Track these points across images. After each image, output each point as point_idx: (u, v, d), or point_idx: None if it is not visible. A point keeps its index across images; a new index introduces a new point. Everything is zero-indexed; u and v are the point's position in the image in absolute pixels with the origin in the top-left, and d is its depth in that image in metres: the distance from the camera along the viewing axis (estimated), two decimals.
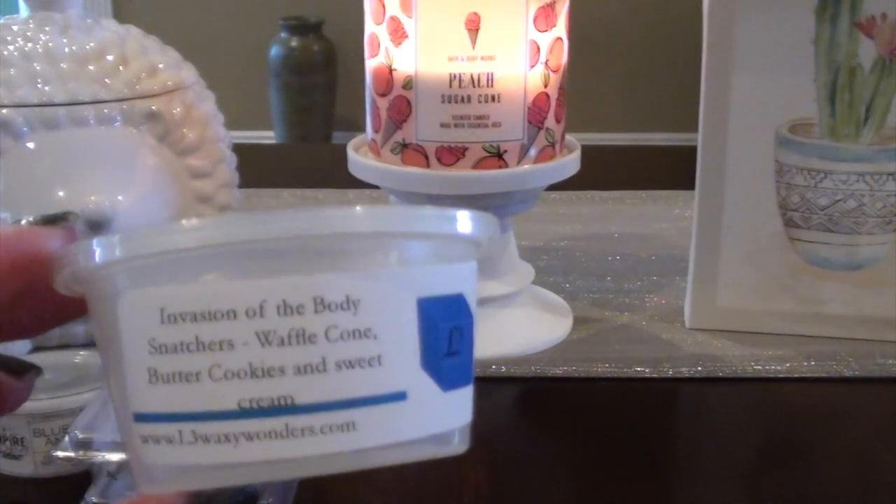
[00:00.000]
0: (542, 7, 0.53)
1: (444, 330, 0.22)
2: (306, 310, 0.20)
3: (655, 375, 0.55)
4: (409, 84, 0.54)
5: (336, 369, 0.20)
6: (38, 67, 0.46)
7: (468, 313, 0.22)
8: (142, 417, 0.21)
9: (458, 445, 0.23)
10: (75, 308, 0.23)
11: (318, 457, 0.20)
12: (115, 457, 0.38)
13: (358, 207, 0.21)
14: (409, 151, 0.55)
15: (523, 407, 0.54)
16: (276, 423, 0.20)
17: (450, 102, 0.53)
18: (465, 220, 0.22)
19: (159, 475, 0.21)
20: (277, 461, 0.20)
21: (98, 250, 0.21)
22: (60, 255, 0.22)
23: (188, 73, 0.52)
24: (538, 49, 0.53)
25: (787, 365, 0.56)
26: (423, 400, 0.21)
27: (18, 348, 0.42)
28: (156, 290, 0.20)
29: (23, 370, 0.26)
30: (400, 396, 0.21)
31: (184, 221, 0.20)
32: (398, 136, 0.55)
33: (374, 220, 0.21)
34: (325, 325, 0.20)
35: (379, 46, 0.55)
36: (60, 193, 0.45)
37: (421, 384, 0.21)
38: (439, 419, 0.22)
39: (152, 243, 0.20)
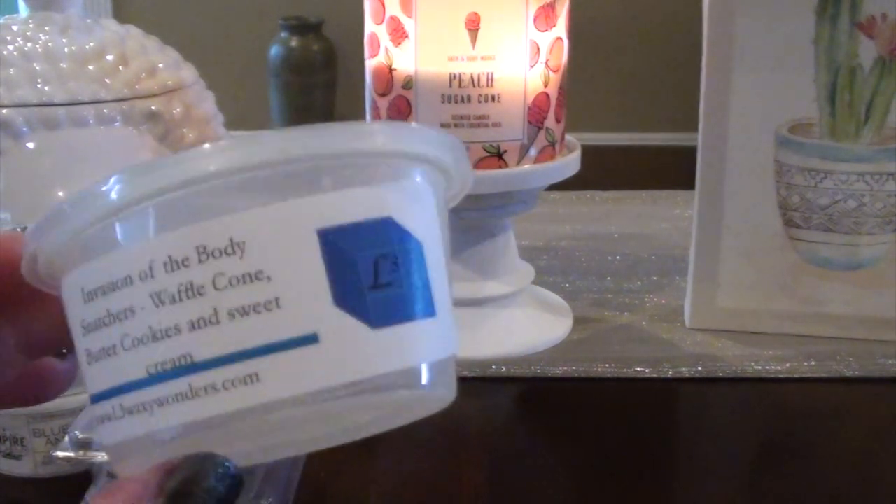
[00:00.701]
0: (542, 7, 0.53)
1: (365, 260, 0.19)
2: (191, 261, 0.19)
3: (655, 375, 0.55)
4: (408, 84, 0.54)
5: (229, 319, 0.19)
6: (37, 67, 0.46)
7: (405, 237, 0.20)
8: (93, 399, 0.21)
9: (429, 387, 0.21)
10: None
11: (225, 416, 0.19)
12: None
13: (239, 138, 0.19)
14: None
15: (523, 407, 0.54)
16: (180, 384, 0.19)
17: (450, 102, 0.53)
18: (381, 135, 0.20)
19: (120, 454, 0.21)
20: (192, 426, 0.19)
21: (38, 233, 0.21)
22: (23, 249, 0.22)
23: (188, 73, 0.52)
24: (538, 49, 0.53)
25: (788, 365, 0.56)
26: (342, 341, 0.19)
27: None
28: (77, 271, 0.20)
29: (63, 353, 0.25)
30: (309, 339, 0.19)
31: (76, 193, 0.20)
32: None
33: (252, 152, 0.19)
34: (212, 273, 0.19)
35: (379, 46, 0.55)
36: (60, 193, 0.45)
37: (337, 324, 0.19)
38: (372, 360, 0.19)
39: (70, 226, 0.20)
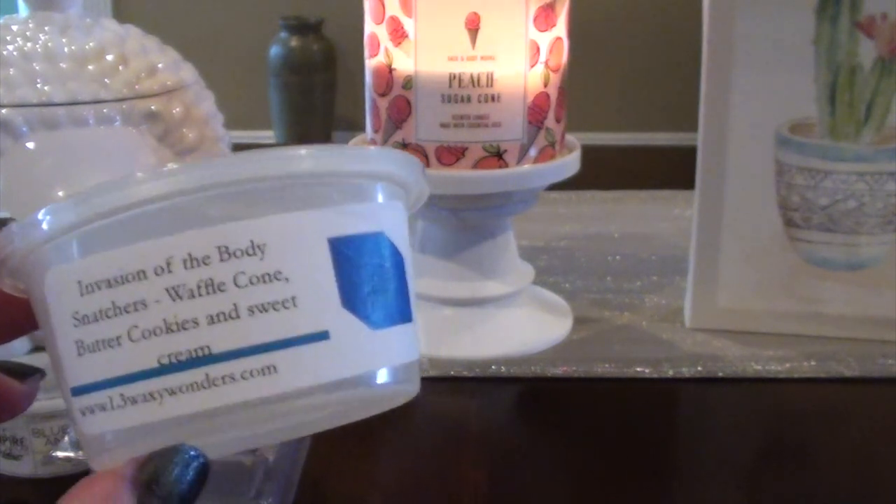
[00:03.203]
0: (542, 7, 0.53)
1: (365, 268, 0.21)
2: (212, 260, 0.20)
3: (655, 376, 0.55)
4: (408, 84, 0.54)
5: (249, 314, 0.20)
6: (37, 67, 0.46)
7: (393, 251, 0.22)
8: (77, 390, 0.21)
9: (405, 384, 0.23)
10: (30, 313, 0.23)
11: (243, 404, 0.20)
12: None
13: (263, 152, 0.21)
14: (408, 151, 0.54)
15: (523, 407, 0.54)
16: (196, 374, 0.20)
17: (450, 102, 0.53)
18: (375, 160, 0.22)
19: (103, 447, 0.21)
20: (203, 413, 0.20)
21: (19, 234, 0.21)
22: None
23: (188, 73, 0.52)
24: (538, 49, 0.53)
25: (788, 365, 0.56)
26: (348, 339, 0.21)
27: (17, 348, 0.42)
28: (72, 265, 0.21)
29: (26, 374, 0.26)
30: (321, 336, 0.21)
31: (82, 193, 0.20)
32: (398, 136, 0.55)
33: (274, 164, 0.21)
34: (233, 272, 0.20)
35: (379, 46, 0.55)
36: (60, 193, 0.45)
37: (344, 323, 0.21)
38: (370, 357, 0.22)
39: (66, 221, 0.21)
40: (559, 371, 0.55)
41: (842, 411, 0.53)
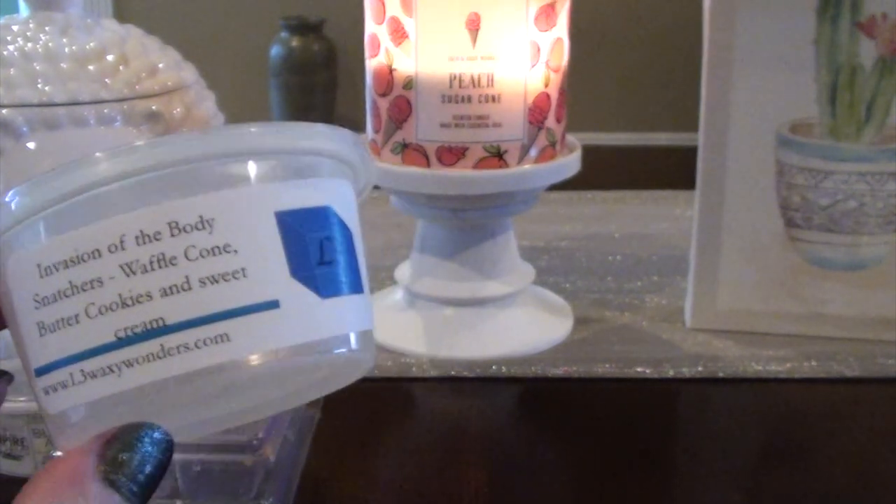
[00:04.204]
0: (543, 7, 0.53)
1: (313, 240, 0.22)
2: (163, 235, 0.21)
3: (656, 376, 0.55)
4: (409, 84, 0.53)
5: (201, 286, 0.21)
6: (38, 67, 0.46)
7: (340, 225, 0.23)
8: (40, 371, 0.22)
9: (360, 352, 0.24)
10: None
11: (197, 372, 0.21)
12: None
13: (211, 129, 0.22)
14: (409, 151, 0.54)
15: (524, 407, 0.54)
16: (152, 345, 0.21)
17: (450, 102, 0.53)
18: (319, 137, 0.23)
19: (67, 423, 0.22)
20: (161, 383, 0.21)
21: None
22: None
23: (188, 73, 0.52)
24: (538, 49, 0.53)
25: (788, 365, 0.56)
26: (299, 308, 0.22)
27: None
28: (31, 249, 0.22)
29: None
30: (272, 305, 0.22)
31: (35, 179, 0.21)
32: (399, 137, 0.55)
33: (221, 141, 0.22)
34: (184, 246, 0.21)
35: (379, 46, 0.55)
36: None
37: (294, 293, 0.22)
38: (321, 325, 0.22)
39: (22, 208, 0.21)
40: (560, 371, 0.55)
41: (842, 411, 0.53)
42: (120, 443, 0.21)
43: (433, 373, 0.55)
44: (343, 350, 0.23)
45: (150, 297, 0.21)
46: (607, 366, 0.56)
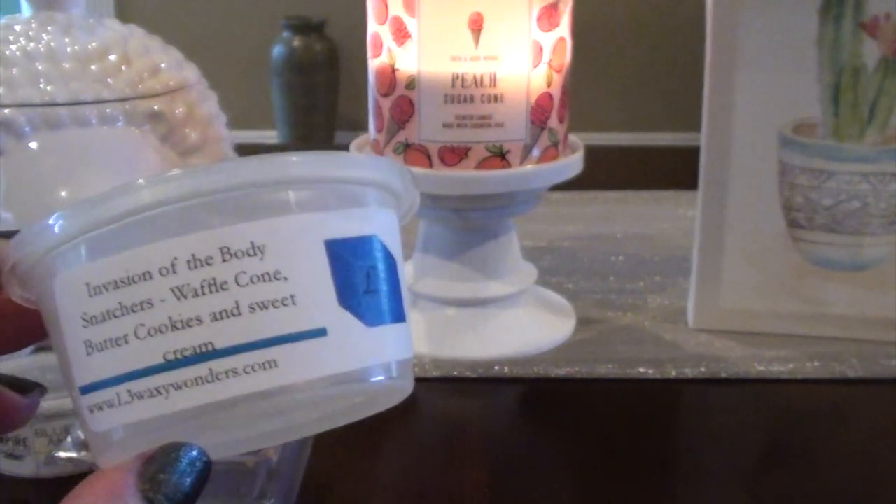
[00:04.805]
0: (545, 7, 0.53)
1: (360, 269, 0.23)
2: (215, 260, 0.21)
3: (658, 376, 0.55)
4: (411, 84, 0.53)
5: (250, 312, 0.21)
6: (40, 67, 0.46)
7: (385, 254, 0.23)
8: (85, 389, 0.22)
9: (399, 380, 0.24)
10: (37, 324, 0.24)
11: (244, 397, 0.21)
12: None
13: (259, 157, 0.22)
14: (411, 151, 0.54)
15: (526, 407, 0.54)
16: (201, 369, 0.21)
17: (452, 102, 0.53)
18: (367, 167, 0.23)
19: (110, 442, 0.22)
20: (208, 406, 0.21)
21: (32, 239, 0.22)
22: (4, 257, 0.23)
23: (190, 73, 0.52)
24: (541, 49, 0.53)
25: (791, 366, 0.56)
26: (345, 336, 0.22)
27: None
28: (80, 269, 0.22)
29: (28, 388, 0.27)
30: (319, 332, 0.22)
31: (88, 199, 0.21)
32: (401, 137, 0.55)
33: (272, 169, 0.22)
34: (234, 271, 0.21)
35: (382, 46, 0.55)
36: (62, 193, 0.45)
37: (341, 321, 0.22)
38: (366, 353, 0.23)
39: (74, 227, 0.22)
40: (562, 372, 0.55)
41: (845, 412, 0.53)
42: (159, 462, 0.21)
43: (435, 373, 0.55)
44: (384, 378, 0.23)
45: (199, 320, 0.21)
46: (609, 366, 0.56)
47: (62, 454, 0.40)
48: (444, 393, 0.54)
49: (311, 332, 0.22)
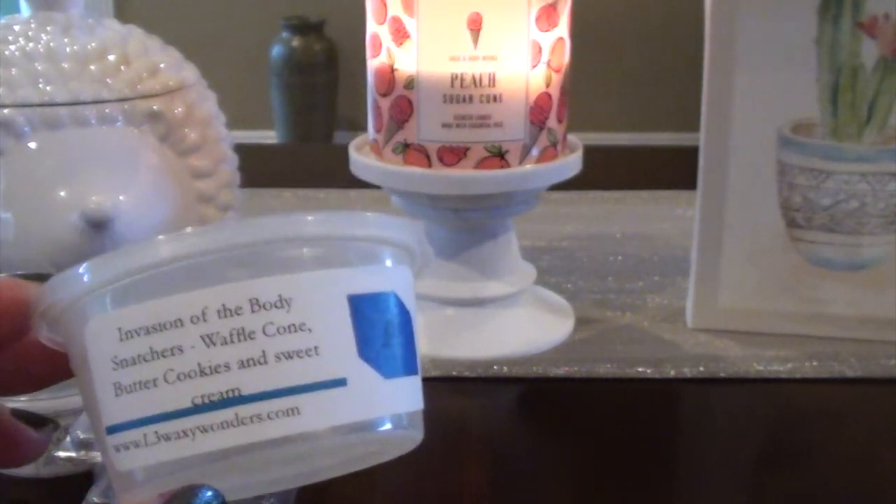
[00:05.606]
0: (544, 7, 0.53)
1: (379, 323, 0.24)
2: (244, 311, 0.22)
3: (657, 376, 0.55)
4: (410, 84, 0.54)
5: (276, 361, 0.22)
6: (39, 67, 0.46)
7: (402, 309, 0.25)
8: (112, 429, 0.23)
9: (410, 430, 0.25)
10: (62, 365, 0.25)
11: (267, 442, 0.22)
12: None
13: (290, 215, 0.23)
14: (411, 151, 0.54)
15: (525, 407, 0.54)
16: (227, 413, 0.22)
17: (451, 102, 0.53)
18: (382, 226, 0.25)
19: (134, 481, 0.23)
20: (232, 450, 0.22)
21: (65, 285, 0.23)
22: (35, 300, 0.24)
23: (190, 73, 0.52)
24: (540, 49, 0.53)
25: (790, 365, 0.56)
26: (363, 386, 0.23)
27: None
28: (112, 314, 0.23)
29: (42, 423, 0.28)
30: (340, 382, 0.23)
31: (130, 249, 0.23)
32: (400, 137, 0.55)
33: (303, 226, 0.23)
34: (262, 322, 0.22)
35: (381, 46, 0.55)
36: (62, 193, 0.45)
37: (360, 372, 0.23)
38: (382, 403, 0.24)
39: (107, 274, 0.23)
40: (561, 371, 0.55)
41: (844, 412, 0.53)
42: (177, 501, 0.22)
43: (434, 373, 0.55)
44: (397, 428, 0.24)
45: (227, 367, 0.22)
46: (608, 366, 0.56)
47: (62, 454, 0.40)
48: (443, 393, 0.54)
49: (332, 382, 0.23)
